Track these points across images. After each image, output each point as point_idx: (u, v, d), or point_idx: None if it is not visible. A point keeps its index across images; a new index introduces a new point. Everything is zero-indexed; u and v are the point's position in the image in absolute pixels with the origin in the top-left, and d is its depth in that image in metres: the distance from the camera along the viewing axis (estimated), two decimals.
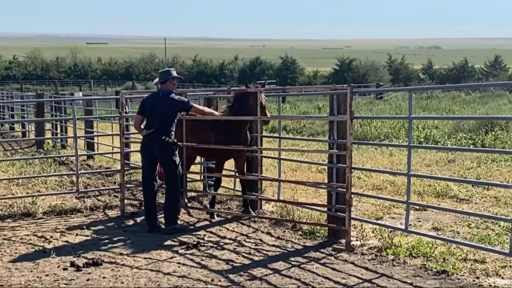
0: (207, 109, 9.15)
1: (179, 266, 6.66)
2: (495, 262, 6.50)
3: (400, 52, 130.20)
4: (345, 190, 7.32)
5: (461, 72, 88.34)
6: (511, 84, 8.26)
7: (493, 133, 17.25)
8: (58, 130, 20.19)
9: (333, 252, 7.15)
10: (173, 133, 8.34)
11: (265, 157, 9.80)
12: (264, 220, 8.64)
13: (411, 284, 5.96)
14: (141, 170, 12.03)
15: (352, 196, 7.43)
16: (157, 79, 8.89)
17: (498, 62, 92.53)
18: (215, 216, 9.01)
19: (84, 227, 8.61)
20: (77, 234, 8.21)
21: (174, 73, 8.67)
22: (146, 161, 8.54)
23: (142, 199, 9.50)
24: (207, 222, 8.88)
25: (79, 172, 10.67)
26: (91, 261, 6.76)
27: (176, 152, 8.37)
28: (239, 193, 9.73)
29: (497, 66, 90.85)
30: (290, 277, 6.24)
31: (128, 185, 10.69)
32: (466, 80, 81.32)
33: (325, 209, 8.13)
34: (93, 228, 8.59)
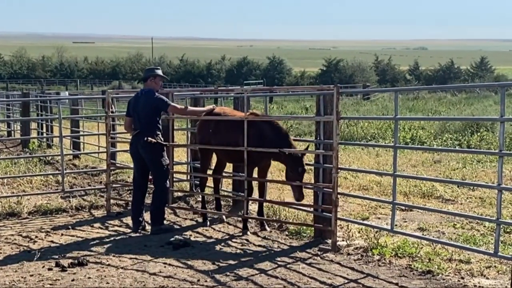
0: (191, 108, 9.02)
1: (165, 266, 6.64)
2: (480, 263, 6.54)
3: (386, 53, 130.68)
4: (331, 190, 7.34)
5: (447, 73, 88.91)
6: (497, 86, 8.33)
7: (478, 134, 17.36)
8: (44, 130, 20.05)
9: (319, 252, 7.16)
10: (158, 132, 8.28)
11: None
12: (250, 220, 8.63)
13: (396, 284, 5.98)
14: (127, 170, 12.05)
15: (338, 196, 7.44)
16: None
17: (484, 63, 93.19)
18: (266, 226, 8.34)
19: (70, 227, 8.57)
20: (62, 234, 8.17)
21: (157, 72, 8.56)
22: (135, 162, 8.51)
23: (128, 199, 9.48)
24: (193, 222, 8.87)
25: (65, 171, 10.63)
26: (76, 261, 6.72)
27: (164, 153, 8.31)
28: (225, 194, 9.74)
29: (483, 67, 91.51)
30: (276, 277, 6.24)
31: (114, 185, 10.64)
32: (452, 81, 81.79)
33: (312, 209, 8.14)
34: (78, 228, 8.55)
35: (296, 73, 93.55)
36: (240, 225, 8.46)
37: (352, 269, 6.53)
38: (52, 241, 7.80)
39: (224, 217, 8.90)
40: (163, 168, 8.28)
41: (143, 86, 8.60)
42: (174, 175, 9.90)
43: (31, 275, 6.36)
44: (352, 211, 9.24)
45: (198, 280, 6.15)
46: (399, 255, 6.88)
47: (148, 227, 8.33)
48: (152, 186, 8.65)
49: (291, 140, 7.97)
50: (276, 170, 12.50)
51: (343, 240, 7.47)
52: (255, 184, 8.48)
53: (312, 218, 8.13)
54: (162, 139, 8.33)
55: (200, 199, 9.89)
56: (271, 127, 8.05)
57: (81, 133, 16.97)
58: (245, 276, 6.29)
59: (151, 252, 7.24)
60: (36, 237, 7.99)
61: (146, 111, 8.21)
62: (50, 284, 6.08)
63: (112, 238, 7.99)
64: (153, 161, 8.23)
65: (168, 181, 8.48)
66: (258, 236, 8.00)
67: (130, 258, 6.96)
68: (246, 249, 7.36)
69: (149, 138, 8.11)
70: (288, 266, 6.65)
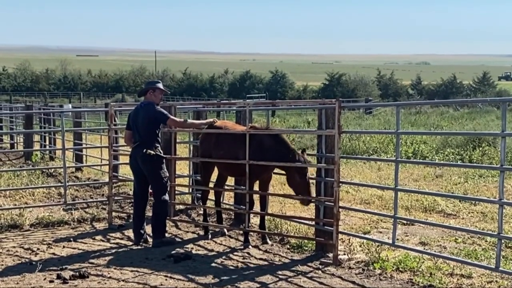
0: (189, 121, 9.06)
1: (166, 279, 6.65)
2: (481, 277, 6.53)
3: (389, 68, 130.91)
4: (333, 204, 7.34)
5: (450, 88, 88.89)
6: (499, 101, 8.37)
7: (480, 148, 17.34)
8: (47, 142, 20.08)
9: (320, 266, 7.16)
10: (158, 145, 8.30)
11: None
12: (252, 233, 8.63)
13: None
14: (129, 183, 12.06)
15: (340, 210, 7.45)
16: None
17: (486, 78, 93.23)
18: (268, 240, 8.37)
19: (71, 239, 8.57)
20: (64, 247, 8.18)
21: (158, 85, 8.57)
22: (134, 174, 8.54)
23: (130, 211, 9.48)
24: (195, 235, 8.87)
25: (67, 184, 10.64)
26: (77, 273, 6.73)
27: (163, 165, 8.33)
28: (227, 207, 9.76)
29: (485, 82, 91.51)
30: None
31: (116, 198, 10.65)
32: (455, 96, 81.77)
33: (313, 223, 8.14)
34: (80, 240, 8.56)
35: (299, 87, 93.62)
36: (242, 238, 8.46)
37: (353, 283, 6.52)
38: (53, 253, 7.80)
39: (225, 230, 8.91)
40: (162, 181, 8.29)
41: (143, 99, 8.64)
42: (176, 188, 9.92)
43: (33, 287, 6.36)
44: (354, 225, 9.24)
45: None
46: (400, 269, 6.88)
47: (149, 240, 8.33)
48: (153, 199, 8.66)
49: (290, 145, 7.97)
50: (278, 183, 12.51)
51: (344, 254, 7.46)
52: (256, 197, 8.48)
53: (314, 232, 8.12)
54: (161, 151, 8.36)
55: (201, 212, 9.90)
56: (270, 137, 8.06)
57: (84, 145, 17.01)
58: None
59: (153, 265, 7.25)
60: (38, 249, 8.00)
61: (145, 123, 8.25)
62: None
63: (113, 251, 7.99)
64: (152, 174, 8.25)
65: (167, 194, 8.48)
66: (260, 249, 8.00)
67: (132, 271, 6.97)
68: (248, 263, 7.36)
69: (148, 151, 8.13)
70: (289, 279, 6.64)
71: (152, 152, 8.15)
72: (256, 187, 8.46)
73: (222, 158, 8.45)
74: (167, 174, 8.43)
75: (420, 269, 6.82)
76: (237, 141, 8.23)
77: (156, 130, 8.32)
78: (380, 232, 8.84)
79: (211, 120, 8.97)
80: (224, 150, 8.45)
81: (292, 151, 7.87)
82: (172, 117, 8.52)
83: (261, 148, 7.99)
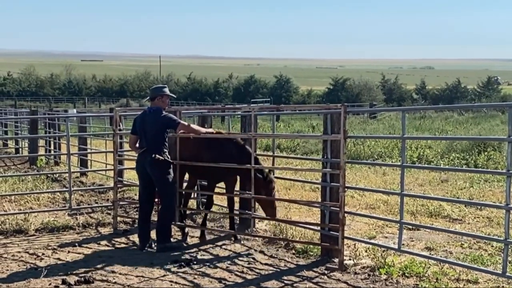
0: (195, 127, 9.10)
1: (171, 284, 6.63)
2: (488, 283, 6.50)
3: (393, 72, 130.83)
4: (338, 209, 7.32)
5: (454, 93, 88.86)
6: (505, 106, 8.34)
7: (485, 153, 17.31)
8: (52, 147, 20.13)
9: (326, 271, 7.13)
10: (165, 150, 8.31)
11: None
12: (257, 238, 8.61)
13: None
14: (134, 188, 12.06)
15: (346, 215, 7.42)
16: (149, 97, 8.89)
17: (491, 83, 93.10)
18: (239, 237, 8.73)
19: (76, 244, 8.57)
20: (69, 252, 8.17)
21: (165, 91, 8.60)
22: (141, 179, 8.53)
23: (135, 216, 9.47)
24: (199, 240, 8.85)
25: (72, 189, 10.65)
26: (82, 278, 6.72)
27: (170, 170, 8.34)
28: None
29: (489, 87, 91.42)
30: None
31: (121, 203, 10.64)
32: (459, 101, 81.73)
33: (318, 228, 8.12)
34: (85, 245, 8.55)
35: (303, 91, 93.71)
36: (248, 243, 8.46)
37: None
38: (58, 259, 7.80)
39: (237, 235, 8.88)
40: (169, 186, 8.31)
41: (150, 104, 8.65)
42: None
43: None
44: (359, 230, 9.22)
45: None
46: (406, 274, 6.85)
47: (154, 245, 8.32)
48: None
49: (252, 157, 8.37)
50: (283, 188, 12.51)
51: (350, 259, 7.44)
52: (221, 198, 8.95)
53: (319, 237, 8.10)
54: (169, 156, 8.36)
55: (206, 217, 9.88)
56: (235, 146, 8.51)
57: (89, 150, 17.02)
58: None
59: (158, 270, 7.24)
60: (43, 254, 8.00)
61: (154, 129, 8.26)
62: None
63: (118, 256, 7.98)
64: (160, 179, 8.26)
65: (174, 199, 8.49)
66: (265, 254, 7.99)
67: (137, 276, 6.96)
68: (253, 268, 7.34)
69: (157, 156, 8.14)
70: (295, 285, 6.63)
71: (161, 157, 8.16)
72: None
73: (188, 160, 8.75)
74: (175, 180, 8.44)
75: (426, 275, 6.79)
76: (198, 144, 8.72)
77: (164, 136, 8.33)
78: (386, 237, 8.82)
79: (212, 130, 9.25)
80: (190, 152, 8.74)
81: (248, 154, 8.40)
82: (182, 122, 8.57)
83: (227, 152, 8.44)
